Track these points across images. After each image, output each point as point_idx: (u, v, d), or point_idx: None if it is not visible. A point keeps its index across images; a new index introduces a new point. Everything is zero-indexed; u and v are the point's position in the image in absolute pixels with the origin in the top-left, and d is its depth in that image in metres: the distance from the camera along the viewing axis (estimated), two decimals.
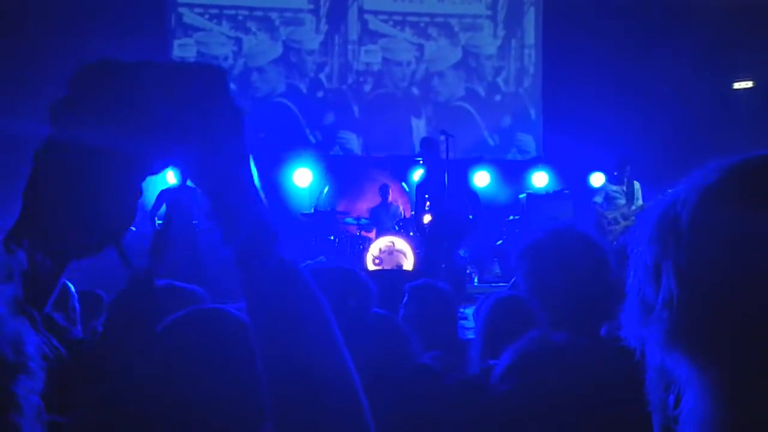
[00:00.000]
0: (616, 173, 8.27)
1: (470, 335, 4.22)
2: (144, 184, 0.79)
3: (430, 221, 7.32)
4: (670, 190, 0.68)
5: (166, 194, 7.80)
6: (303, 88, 10.95)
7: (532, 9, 11.22)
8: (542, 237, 1.97)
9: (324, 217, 9.21)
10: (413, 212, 8.05)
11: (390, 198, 9.63)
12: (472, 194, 7.62)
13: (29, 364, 0.54)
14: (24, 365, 0.53)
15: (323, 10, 10.97)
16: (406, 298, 3.10)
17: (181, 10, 10.62)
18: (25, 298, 0.57)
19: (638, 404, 0.74)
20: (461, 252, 7.86)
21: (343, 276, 2.10)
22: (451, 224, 7.17)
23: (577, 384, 1.46)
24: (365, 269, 8.08)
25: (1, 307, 0.53)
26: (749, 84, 10.95)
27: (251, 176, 0.78)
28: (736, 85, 11.01)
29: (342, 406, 0.77)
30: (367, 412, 0.78)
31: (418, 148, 8.16)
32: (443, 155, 7.45)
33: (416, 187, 7.76)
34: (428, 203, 7.35)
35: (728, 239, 0.60)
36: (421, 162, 7.99)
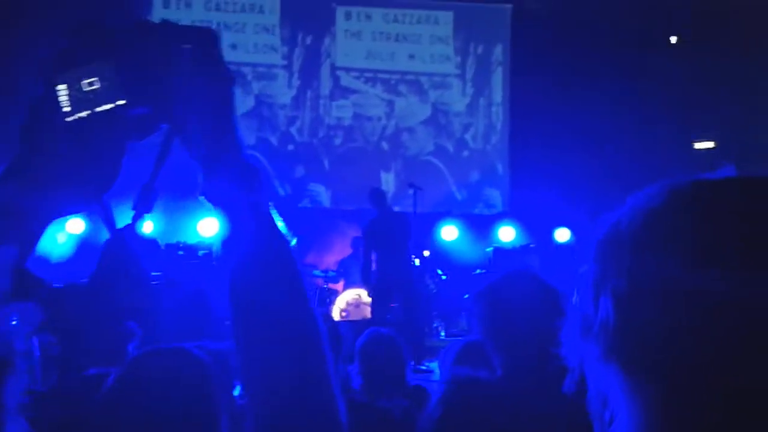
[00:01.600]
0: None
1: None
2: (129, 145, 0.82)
3: (377, 273, 7.26)
4: (616, 209, 0.68)
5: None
6: (274, 141, 11.03)
7: (500, 69, 11.52)
8: (496, 280, 1.98)
9: None
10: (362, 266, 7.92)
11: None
12: (432, 248, 7.62)
13: (16, 361, 0.54)
14: (11, 362, 0.53)
15: (296, 66, 11.15)
16: (357, 348, 3.08)
17: None
18: (13, 292, 0.57)
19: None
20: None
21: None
22: (401, 278, 7.11)
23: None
24: (332, 320, 8.01)
25: None
26: (710, 144, 11.26)
27: (237, 136, 0.83)
28: (698, 145, 11.31)
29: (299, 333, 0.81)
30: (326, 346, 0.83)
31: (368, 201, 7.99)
32: (410, 208, 7.50)
33: (362, 238, 7.66)
34: (374, 256, 7.30)
35: (669, 267, 0.60)
36: (375, 214, 7.80)
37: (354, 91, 11.26)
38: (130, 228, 0.81)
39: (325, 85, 11.22)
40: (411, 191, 7.77)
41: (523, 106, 11.13)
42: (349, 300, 8.45)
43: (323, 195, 11.03)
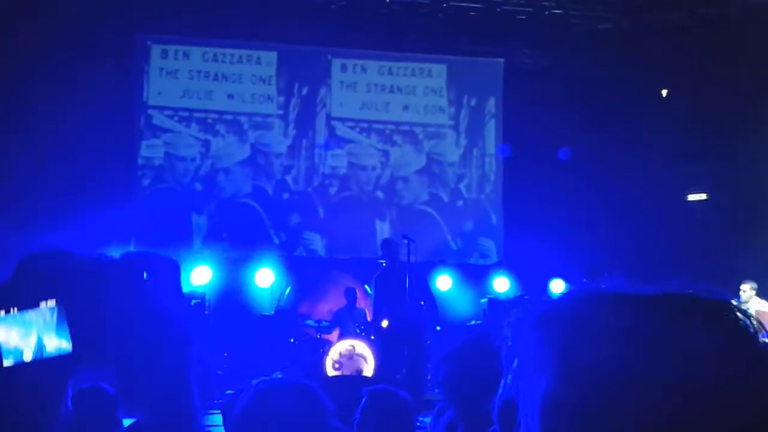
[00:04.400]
0: (585, 281, 8.32)
1: None
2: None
3: (388, 325, 7.27)
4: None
5: None
6: (269, 189, 11.07)
7: (493, 121, 11.66)
8: (456, 348, 1.98)
9: (285, 319, 9.10)
10: (372, 315, 7.99)
11: (357, 302, 9.56)
12: (430, 298, 7.62)
13: None
14: None
15: (292, 116, 11.26)
16: (363, 402, 3.03)
17: (150, 112, 10.81)
18: None
19: None
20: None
21: (297, 393, 2.09)
22: (409, 328, 7.11)
23: None
24: (324, 375, 7.92)
25: None
26: (703, 196, 11.32)
27: (193, 398, 0.76)
28: (691, 197, 11.37)
29: None
30: None
31: (380, 251, 8.21)
32: (404, 258, 7.50)
33: (374, 289, 7.74)
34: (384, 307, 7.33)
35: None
36: (385, 264, 8.01)
37: (349, 141, 11.36)
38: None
39: (321, 135, 11.32)
40: (406, 242, 7.79)
41: (515, 158, 11.24)
42: (343, 351, 8.35)
43: (318, 243, 11.03)
